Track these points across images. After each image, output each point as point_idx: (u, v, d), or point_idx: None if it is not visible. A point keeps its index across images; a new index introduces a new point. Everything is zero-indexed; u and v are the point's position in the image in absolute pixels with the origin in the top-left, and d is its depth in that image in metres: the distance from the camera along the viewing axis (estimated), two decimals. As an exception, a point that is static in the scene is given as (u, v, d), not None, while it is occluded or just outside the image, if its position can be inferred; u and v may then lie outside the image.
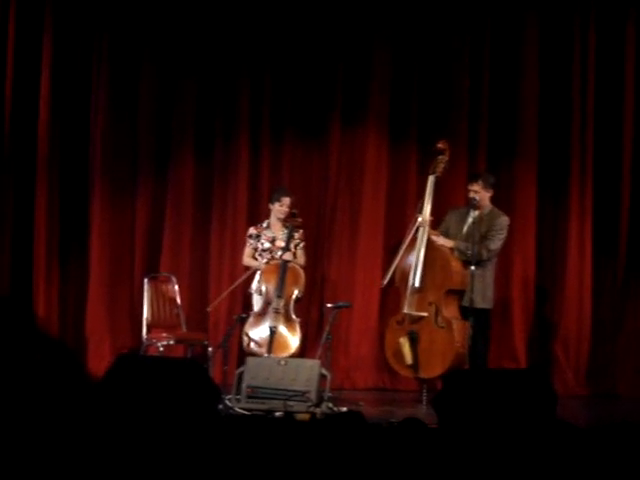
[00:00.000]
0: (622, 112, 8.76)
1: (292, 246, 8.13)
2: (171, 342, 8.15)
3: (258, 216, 8.56)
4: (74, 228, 9.05)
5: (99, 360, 8.77)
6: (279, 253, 8.06)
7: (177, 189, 9.00)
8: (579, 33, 8.81)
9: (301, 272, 8.04)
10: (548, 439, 3.70)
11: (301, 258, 8.19)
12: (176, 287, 8.52)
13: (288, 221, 8.12)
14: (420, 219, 7.86)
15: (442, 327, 7.72)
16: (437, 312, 7.76)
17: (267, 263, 8.09)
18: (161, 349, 8.01)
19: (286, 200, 8.15)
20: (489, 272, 7.84)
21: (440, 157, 8.04)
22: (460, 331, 7.68)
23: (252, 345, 7.81)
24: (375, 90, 8.90)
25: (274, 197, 8.22)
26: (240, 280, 8.22)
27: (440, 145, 8.07)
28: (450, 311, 7.77)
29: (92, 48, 9.01)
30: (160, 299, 8.43)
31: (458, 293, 7.79)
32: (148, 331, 8.23)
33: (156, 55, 8.99)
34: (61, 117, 9.00)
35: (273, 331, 7.72)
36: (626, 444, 3.66)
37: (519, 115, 8.84)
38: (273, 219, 8.22)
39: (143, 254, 8.99)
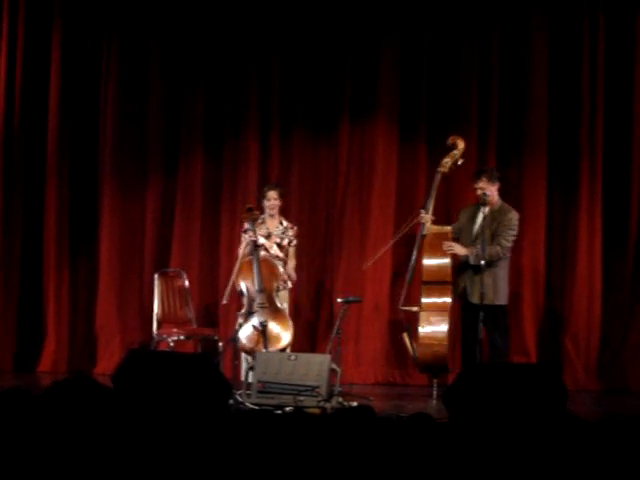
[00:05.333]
0: (632, 108, 8.72)
1: (286, 243, 8.12)
2: (181, 337, 8.17)
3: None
4: (84, 225, 9.09)
5: (109, 355, 8.82)
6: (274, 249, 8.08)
7: (187, 185, 9.02)
8: (588, 30, 8.75)
9: (274, 262, 7.98)
10: (558, 433, 3.70)
11: (292, 259, 8.16)
12: (186, 282, 8.53)
13: (245, 218, 8.01)
14: (422, 214, 7.93)
15: (417, 317, 7.85)
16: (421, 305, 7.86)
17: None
18: (172, 344, 8.03)
19: (269, 194, 8.12)
20: (501, 268, 7.80)
21: (451, 153, 8.04)
22: (428, 321, 7.74)
23: (244, 342, 7.72)
24: (384, 87, 8.89)
25: (261, 194, 8.23)
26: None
27: (450, 140, 8.07)
28: (427, 303, 7.83)
29: (101, 48, 9.06)
30: (170, 295, 8.44)
31: (439, 284, 7.81)
32: (158, 326, 8.24)
33: (165, 54, 9.02)
34: (70, 116, 9.04)
35: (264, 325, 7.64)
36: (636, 438, 3.66)
37: (529, 111, 8.80)
38: (267, 215, 8.21)
39: (153, 250, 9.02)
